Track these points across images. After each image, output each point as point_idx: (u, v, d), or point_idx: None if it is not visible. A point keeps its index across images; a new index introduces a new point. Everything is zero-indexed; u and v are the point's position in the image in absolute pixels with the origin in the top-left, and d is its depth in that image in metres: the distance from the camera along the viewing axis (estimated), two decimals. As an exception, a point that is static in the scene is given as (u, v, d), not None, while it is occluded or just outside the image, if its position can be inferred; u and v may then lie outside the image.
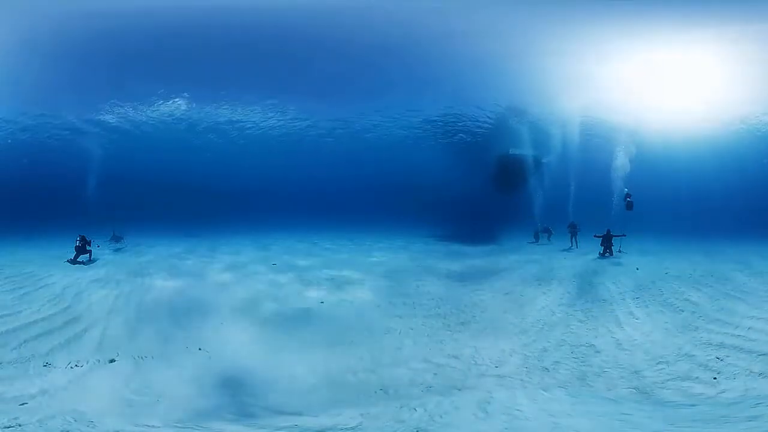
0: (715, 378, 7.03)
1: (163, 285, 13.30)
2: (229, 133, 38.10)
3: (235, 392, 6.97)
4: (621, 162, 23.78)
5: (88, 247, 16.66)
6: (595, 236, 18.43)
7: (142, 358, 8.04)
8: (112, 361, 7.87)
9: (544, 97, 30.32)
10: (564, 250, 20.44)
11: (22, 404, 6.10)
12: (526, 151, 30.40)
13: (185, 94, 33.56)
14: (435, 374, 7.62)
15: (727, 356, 7.75)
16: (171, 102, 34.04)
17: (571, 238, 21.23)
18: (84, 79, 30.26)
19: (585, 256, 18.54)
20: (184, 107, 34.69)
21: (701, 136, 33.77)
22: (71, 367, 7.52)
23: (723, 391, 6.57)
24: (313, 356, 8.40)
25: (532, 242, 23.39)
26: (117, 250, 19.69)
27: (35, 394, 6.50)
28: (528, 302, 11.66)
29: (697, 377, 7.11)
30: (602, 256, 18.00)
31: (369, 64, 31.05)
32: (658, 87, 29.36)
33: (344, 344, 8.97)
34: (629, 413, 5.81)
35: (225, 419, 6.04)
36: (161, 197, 33.95)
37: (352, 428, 5.56)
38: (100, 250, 18.09)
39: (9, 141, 33.35)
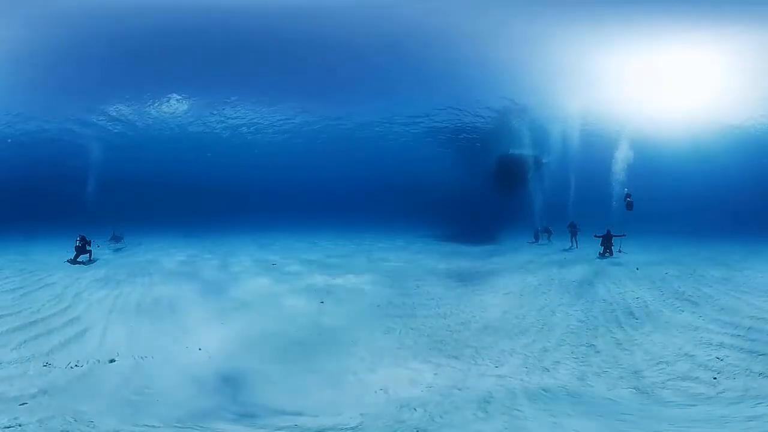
0: (715, 378, 7.02)
1: (163, 285, 13.30)
2: (232, 133, 38.09)
3: (235, 392, 6.97)
4: (621, 162, 23.81)
5: (88, 247, 16.67)
6: (595, 236, 18.45)
7: (142, 358, 8.03)
8: (112, 361, 7.86)
9: (544, 97, 30.32)
10: (564, 250, 20.44)
11: (22, 404, 6.09)
12: (526, 151, 30.44)
13: (189, 93, 33.55)
14: (435, 374, 7.61)
15: (727, 356, 7.75)
16: (175, 102, 34.02)
17: (571, 238, 21.24)
18: (86, 78, 30.24)
19: (585, 256, 18.55)
20: (187, 107, 34.67)
21: (700, 136, 33.77)
22: (71, 367, 7.51)
23: (723, 391, 6.57)
24: (312, 356, 8.40)
25: (532, 242, 23.39)
26: (117, 250, 19.69)
27: (35, 394, 6.48)
28: (528, 302, 11.66)
29: (697, 377, 7.10)
30: (602, 256, 18.01)
31: (370, 65, 31.03)
32: (658, 87, 29.36)
33: (344, 344, 8.96)
34: (629, 413, 5.81)
35: (225, 419, 6.03)
36: (162, 197, 33.97)
37: (352, 428, 5.56)
38: (100, 250, 18.10)
39: (9, 140, 33.32)
